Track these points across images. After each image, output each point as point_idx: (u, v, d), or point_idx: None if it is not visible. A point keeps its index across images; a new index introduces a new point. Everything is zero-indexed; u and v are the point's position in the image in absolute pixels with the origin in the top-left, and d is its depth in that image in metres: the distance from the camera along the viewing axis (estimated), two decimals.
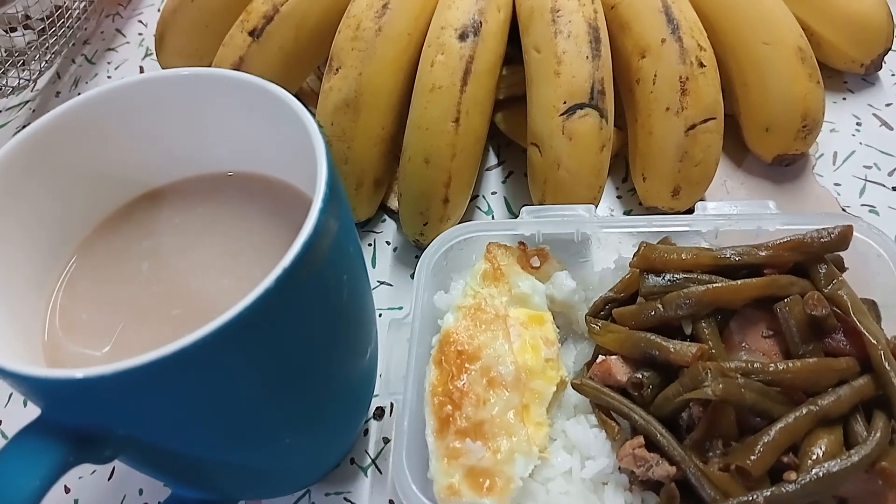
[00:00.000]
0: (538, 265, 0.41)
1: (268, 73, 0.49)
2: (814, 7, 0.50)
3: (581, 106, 0.42)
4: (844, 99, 0.52)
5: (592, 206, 0.40)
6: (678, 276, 0.37)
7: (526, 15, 0.45)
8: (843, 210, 0.46)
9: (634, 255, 0.38)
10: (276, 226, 0.33)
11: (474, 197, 0.49)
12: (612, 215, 0.48)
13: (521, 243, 0.41)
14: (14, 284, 0.31)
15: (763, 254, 0.37)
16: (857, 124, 0.51)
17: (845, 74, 0.53)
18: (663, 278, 0.37)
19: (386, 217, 0.50)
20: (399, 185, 0.45)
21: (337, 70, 0.45)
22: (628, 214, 0.48)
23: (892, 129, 0.50)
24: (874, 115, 0.51)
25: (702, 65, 0.44)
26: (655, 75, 0.44)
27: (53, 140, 0.32)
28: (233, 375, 0.26)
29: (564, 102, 0.42)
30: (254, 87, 0.31)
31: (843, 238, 0.37)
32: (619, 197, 0.49)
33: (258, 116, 0.32)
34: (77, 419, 0.26)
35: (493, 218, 0.49)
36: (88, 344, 0.32)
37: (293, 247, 0.25)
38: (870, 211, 0.46)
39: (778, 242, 0.37)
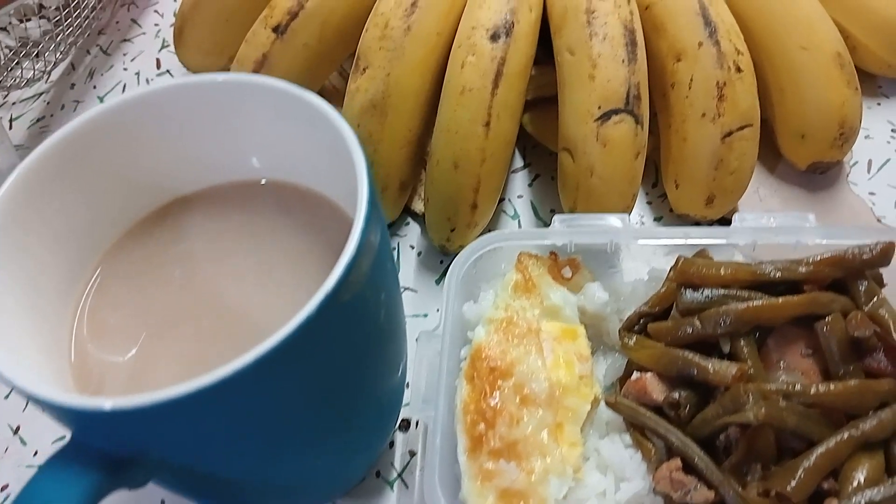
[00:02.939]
0: (570, 276, 0.40)
1: (292, 71, 0.47)
2: (850, 10, 0.49)
3: (616, 111, 0.41)
4: (879, 104, 0.51)
5: (626, 216, 0.39)
6: (717, 292, 0.36)
7: (559, 15, 0.44)
8: (879, 220, 0.45)
9: (672, 269, 0.37)
10: (311, 240, 0.32)
11: (500, 200, 0.48)
12: (643, 222, 0.47)
13: (553, 253, 0.40)
14: (42, 290, 0.30)
15: (803, 270, 0.36)
16: (893, 131, 0.49)
17: (879, 78, 0.52)
18: (701, 294, 0.36)
19: (410, 220, 0.49)
20: (426, 189, 0.44)
21: (364, 70, 0.43)
22: (658, 220, 0.47)
23: None
24: None
25: (739, 69, 0.42)
26: (692, 80, 0.43)
27: (84, 145, 0.31)
28: (264, 403, 0.25)
29: (599, 107, 0.41)
30: (291, 96, 0.30)
31: (885, 254, 0.36)
32: (648, 203, 0.48)
33: (294, 125, 0.31)
34: (108, 444, 0.25)
35: (519, 222, 0.48)
36: (115, 350, 0.31)
37: (335, 271, 0.24)
38: None
39: (818, 259, 0.36)
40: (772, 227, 0.38)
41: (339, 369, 0.27)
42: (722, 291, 0.36)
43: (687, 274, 0.36)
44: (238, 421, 0.25)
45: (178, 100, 0.31)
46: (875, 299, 0.35)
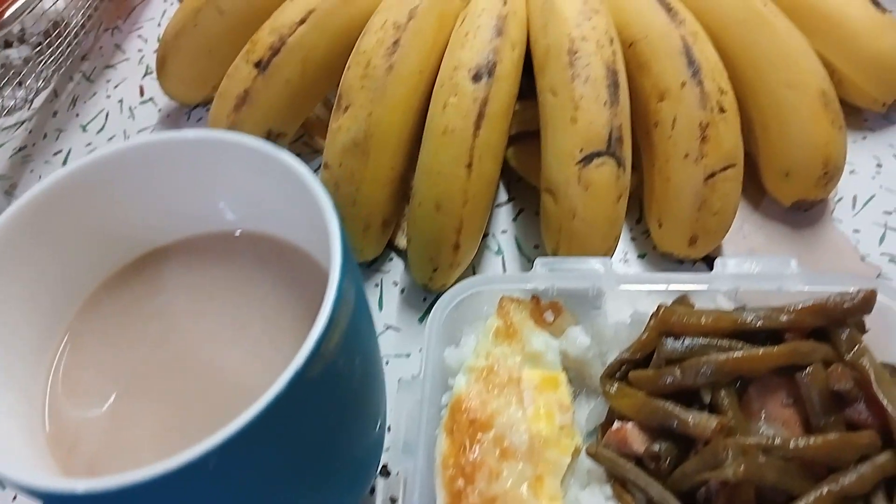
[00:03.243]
0: (552, 320, 0.39)
1: (274, 106, 0.47)
2: (836, 45, 0.49)
3: (598, 154, 0.41)
4: (864, 138, 0.51)
5: (608, 259, 0.39)
6: (697, 342, 0.36)
7: (542, 54, 0.44)
8: (862, 259, 0.45)
9: (652, 317, 0.37)
10: (287, 294, 0.32)
11: (484, 236, 0.48)
12: (626, 259, 0.47)
13: (535, 297, 0.40)
14: (15, 352, 0.30)
15: (784, 318, 0.36)
16: (878, 166, 0.49)
17: (865, 112, 0.52)
18: (682, 343, 0.36)
19: (393, 256, 0.48)
20: (408, 229, 0.44)
21: (346, 109, 0.43)
22: (642, 258, 0.47)
23: None
24: (895, 156, 0.50)
25: (722, 110, 0.42)
26: (674, 120, 0.43)
27: (57, 204, 0.30)
28: (236, 476, 0.25)
29: (581, 150, 0.41)
30: (264, 154, 0.30)
31: (867, 302, 0.36)
32: (633, 239, 0.48)
33: (268, 181, 0.31)
34: None
35: (503, 259, 0.48)
36: (89, 409, 0.31)
37: (304, 347, 0.24)
38: (890, 260, 0.45)
39: (800, 307, 0.36)
40: (753, 274, 0.38)
41: (313, 438, 0.27)
42: (703, 341, 0.36)
43: (668, 323, 0.36)
44: (211, 494, 0.25)
45: (150, 157, 0.31)
46: (856, 348, 0.35)
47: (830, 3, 0.49)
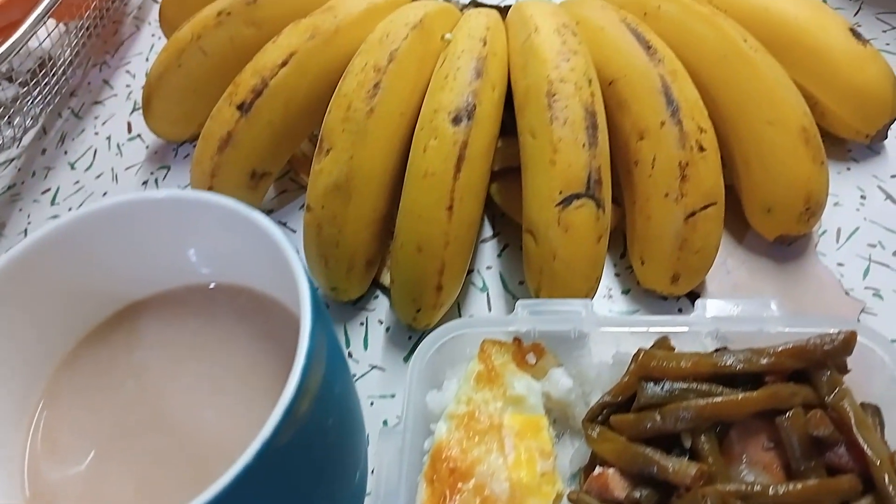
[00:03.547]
0: (534, 362, 0.39)
1: (256, 147, 0.47)
2: (818, 77, 0.49)
3: (577, 196, 0.41)
4: (849, 169, 0.51)
5: (590, 302, 0.39)
6: (678, 386, 0.36)
7: (522, 94, 0.44)
8: (847, 293, 0.45)
9: (632, 361, 0.37)
10: (264, 349, 0.32)
11: (469, 272, 0.48)
12: (611, 295, 0.47)
13: (517, 339, 0.40)
14: None
15: (764, 361, 0.36)
16: (862, 197, 0.49)
17: (849, 142, 0.52)
18: (662, 388, 0.36)
19: (378, 293, 0.48)
20: (391, 270, 0.44)
21: (328, 152, 0.43)
22: (626, 293, 0.47)
23: None
24: (879, 187, 0.50)
25: (702, 149, 0.42)
26: (654, 159, 0.43)
27: (33, 266, 0.31)
28: None
29: (560, 192, 0.41)
30: (233, 212, 0.30)
31: (847, 345, 0.36)
32: (616, 275, 0.48)
33: (239, 238, 0.31)
34: None
35: (488, 295, 0.48)
36: (67, 467, 0.31)
37: (272, 416, 0.24)
38: (874, 294, 0.45)
39: (780, 350, 0.36)
40: (733, 317, 0.38)
41: (289, 498, 0.27)
42: (683, 385, 0.36)
43: (647, 368, 0.36)
44: None
45: (125, 217, 0.31)
46: (837, 390, 0.35)
47: (811, 36, 0.49)
